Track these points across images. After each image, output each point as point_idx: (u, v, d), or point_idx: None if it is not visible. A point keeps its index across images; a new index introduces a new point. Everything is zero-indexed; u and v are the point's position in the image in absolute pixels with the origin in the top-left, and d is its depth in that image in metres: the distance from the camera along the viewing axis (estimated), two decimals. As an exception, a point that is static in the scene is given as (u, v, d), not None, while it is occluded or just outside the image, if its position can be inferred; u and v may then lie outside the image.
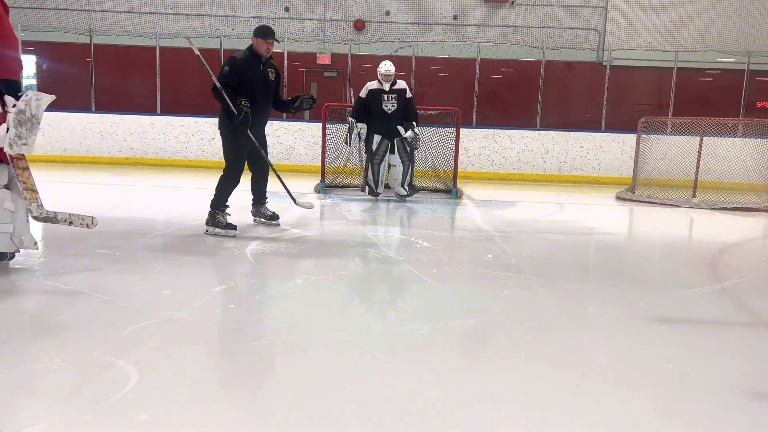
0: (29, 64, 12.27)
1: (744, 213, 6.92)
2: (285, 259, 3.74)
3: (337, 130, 8.06)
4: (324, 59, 11.84)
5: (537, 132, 10.53)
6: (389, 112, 6.57)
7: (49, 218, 3.24)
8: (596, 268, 4.14)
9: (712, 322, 2.89)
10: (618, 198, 8.00)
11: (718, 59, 11.48)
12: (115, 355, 2.08)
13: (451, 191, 7.34)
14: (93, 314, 2.53)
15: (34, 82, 12.52)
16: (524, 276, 3.54)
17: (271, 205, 5.00)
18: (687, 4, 11.24)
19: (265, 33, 4.59)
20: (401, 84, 6.65)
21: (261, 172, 4.89)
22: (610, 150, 10.45)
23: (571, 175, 10.43)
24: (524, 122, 11.08)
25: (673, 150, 8.14)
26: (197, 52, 4.51)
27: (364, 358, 2.20)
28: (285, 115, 11.15)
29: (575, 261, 4.23)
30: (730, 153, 8.43)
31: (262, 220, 4.88)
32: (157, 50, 10.66)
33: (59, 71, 12.46)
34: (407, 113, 6.61)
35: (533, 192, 8.68)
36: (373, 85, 6.63)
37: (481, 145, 10.38)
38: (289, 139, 10.50)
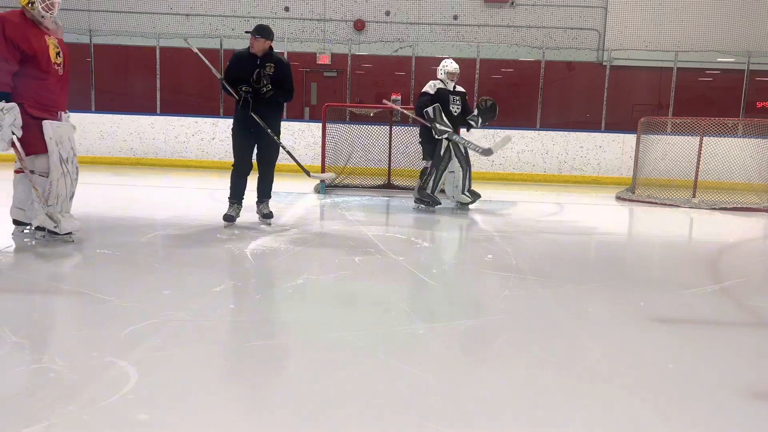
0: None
1: (744, 213, 6.92)
2: (285, 259, 3.74)
3: (337, 130, 8.08)
4: (324, 59, 11.85)
5: (537, 132, 10.54)
6: (455, 114, 6.16)
7: (54, 219, 3.73)
8: (596, 268, 4.14)
9: (712, 322, 2.89)
10: (618, 198, 8.00)
11: (718, 59, 11.49)
12: (115, 355, 2.08)
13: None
14: (93, 314, 2.54)
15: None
16: (524, 276, 3.53)
17: (270, 205, 4.99)
18: (687, 4, 11.25)
19: (253, 29, 4.65)
20: (460, 87, 6.32)
21: (262, 170, 4.91)
22: (610, 150, 10.45)
23: (571, 175, 10.43)
24: (524, 122, 11.08)
25: (673, 150, 8.14)
26: (195, 50, 4.66)
27: (363, 358, 2.20)
28: (285, 114, 11.22)
29: (575, 261, 4.23)
30: (730, 153, 8.44)
31: (258, 217, 4.94)
32: (157, 50, 10.67)
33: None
34: (467, 118, 6.26)
35: (533, 192, 8.68)
36: (439, 83, 6.18)
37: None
38: (289, 139, 10.50)
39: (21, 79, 3.54)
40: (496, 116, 6.24)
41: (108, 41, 11.16)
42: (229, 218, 4.66)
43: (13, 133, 3.50)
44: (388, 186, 7.93)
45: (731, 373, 2.19)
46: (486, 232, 5.12)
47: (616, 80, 11.18)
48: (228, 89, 4.58)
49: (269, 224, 4.81)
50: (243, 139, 4.70)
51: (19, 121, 3.51)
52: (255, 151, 4.81)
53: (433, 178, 6.09)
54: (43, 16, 3.60)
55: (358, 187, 7.89)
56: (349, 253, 3.94)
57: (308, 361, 2.16)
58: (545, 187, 9.56)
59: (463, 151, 6.19)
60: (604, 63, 11.36)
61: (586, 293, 3.26)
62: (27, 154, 3.66)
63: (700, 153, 7.80)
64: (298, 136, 10.45)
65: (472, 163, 6.40)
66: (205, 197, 6.82)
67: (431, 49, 11.56)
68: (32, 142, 3.62)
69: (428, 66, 11.70)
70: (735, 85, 11.16)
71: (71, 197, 3.92)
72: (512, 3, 11.78)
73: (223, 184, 7.65)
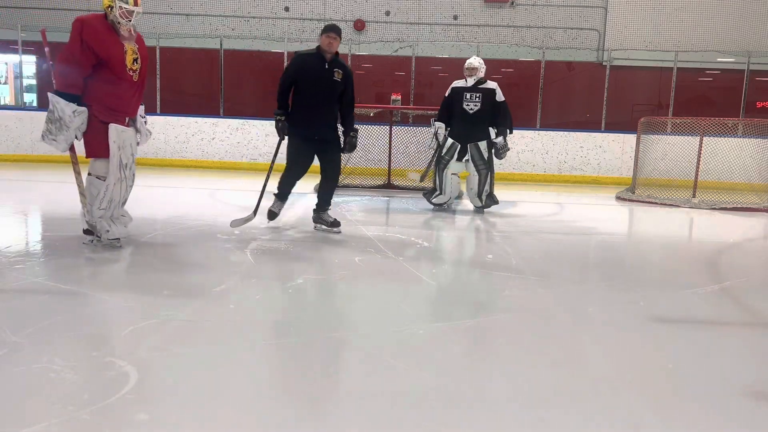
0: (29, 64, 12.27)
1: (744, 213, 6.93)
2: (285, 259, 3.74)
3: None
4: (324, 59, 11.84)
5: (537, 132, 10.54)
6: (470, 112, 5.87)
7: (93, 226, 3.76)
8: (596, 268, 4.14)
9: (712, 322, 2.89)
10: (618, 198, 8.00)
11: (718, 59, 11.49)
12: (115, 355, 2.08)
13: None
14: (93, 314, 2.54)
15: (33, 82, 12.53)
16: (524, 276, 3.53)
17: (269, 205, 4.98)
18: (687, 4, 11.25)
19: (325, 28, 4.45)
20: (491, 84, 5.96)
21: (325, 177, 4.71)
22: (610, 150, 10.46)
23: (571, 175, 10.43)
24: (524, 122, 11.08)
25: (673, 150, 8.15)
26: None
27: (363, 358, 2.20)
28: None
29: (575, 261, 4.23)
30: (730, 153, 8.45)
31: (323, 227, 4.68)
32: (157, 50, 10.66)
33: (59, 71, 12.44)
34: (497, 118, 5.90)
35: (533, 192, 8.68)
36: (457, 82, 6.05)
37: (481, 145, 10.37)
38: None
39: (93, 82, 3.56)
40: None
41: (108, 41, 11.16)
42: (273, 215, 4.65)
43: (75, 137, 3.57)
44: (388, 186, 7.93)
45: (731, 373, 2.19)
46: (486, 232, 5.12)
47: (616, 80, 11.18)
48: (281, 99, 4.54)
49: (340, 232, 4.60)
50: (304, 143, 4.54)
51: (85, 126, 3.58)
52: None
53: (424, 170, 6.29)
54: (119, 22, 3.62)
55: (358, 187, 7.90)
56: (349, 253, 3.94)
57: (308, 360, 2.16)
58: (545, 187, 9.56)
59: (483, 155, 5.92)
60: (604, 63, 11.36)
61: (586, 293, 3.26)
62: (88, 156, 3.69)
63: (700, 153, 7.80)
64: (298, 136, 10.44)
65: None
66: (205, 197, 6.82)
67: (431, 49, 11.56)
68: (95, 145, 3.63)
69: (428, 66, 11.72)
70: (735, 85, 11.17)
71: (123, 203, 3.95)
72: (512, 3, 11.78)
73: (223, 184, 7.62)
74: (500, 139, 5.90)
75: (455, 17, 11.82)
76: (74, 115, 3.51)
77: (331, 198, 4.71)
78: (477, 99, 5.89)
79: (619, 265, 4.23)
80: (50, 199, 6.36)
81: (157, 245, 4.03)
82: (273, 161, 4.85)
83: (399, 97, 10.71)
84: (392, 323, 2.66)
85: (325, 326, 2.54)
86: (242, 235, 4.35)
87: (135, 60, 3.72)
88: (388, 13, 11.84)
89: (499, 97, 5.92)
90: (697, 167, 7.79)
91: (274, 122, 4.52)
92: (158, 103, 10.85)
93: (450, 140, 6.01)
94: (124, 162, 3.75)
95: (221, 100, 10.88)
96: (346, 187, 7.75)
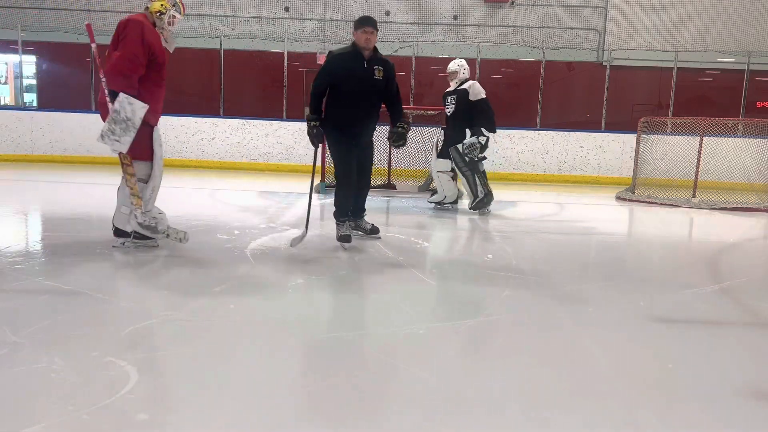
0: (29, 64, 12.27)
1: (744, 213, 6.93)
2: (285, 259, 3.74)
3: (337, 130, 8.06)
4: (324, 59, 11.85)
5: (537, 132, 10.54)
6: (448, 114, 5.97)
7: (151, 227, 3.75)
8: (596, 268, 4.14)
9: (712, 322, 2.89)
10: (618, 198, 8.00)
11: (718, 59, 11.49)
12: (115, 355, 2.08)
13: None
14: (93, 314, 2.54)
15: (33, 82, 12.53)
16: (524, 276, 3.53)
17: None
18: (687, 4, 11.25)
19: (359, 21, 4.08)
20: (467, 84, 5.85)
21: (361, 183, 4.34)
22: (610, 150, 10.46)
23: (571, 175, 10.44)
24: (524, 122, 11.08)
25: (673, 150, 8.15)
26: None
27: (363, 358, 2.20)
28: (285, 114, 11.23)
29: (575, 261, 4.23)
30: (730, 153, 8.45)
31: (360, 233, 4.45)
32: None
33: (59, 71, 12.47)
34: (472, 118, 5.72)
35: (533, 192, 8.68)
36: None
37: (481, 145, 10.37)
38: (289, 139, 10.51)
39: (143, 85, 3.60)
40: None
41: (108, 41, 11.16)
42: (348, 239, 4.14)
43: None
44: (388, 186, 7.93)
45: (731, 373, 2.19)
46: (486, 232, 5.12)
47: (616, 80, 11.18)
48: (315, 104, 4.14)
49: (380, 237, 4.40)
50: (348, 147, 4.17)
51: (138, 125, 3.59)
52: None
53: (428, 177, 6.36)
54: (163, 28, 3.73)
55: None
56: (349, 253, 3.94)
57: (308, 360, 2.16)
58: (545, 187, 9.56)
59: (464, 157, 5.81)
60: (604, 63, 11.36)
61: (586, 293, 3.26)
62: (132, 158, 3.70)
63: (700, 153, 7.80)
64: (298, 136, 10.44)
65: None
66: (205, 197, 6.82)
67: (431, 49, 11.56)
68: (139, 148, 3.66)
69: (428, 66, 11.72)
70: (735, 85, 11.17)
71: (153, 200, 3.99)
72: (512, 3, 11.78)
73: (223, 184, 7.63)
74: (469, 138, 5.72)
75: (455, 17, 11.82)
76: (142, 117, 3.54)
77: (364, 203, 4.45)
78: (452, 101, 5.91)
79: (619, 265, 4.23)
80: (50, 199, 6.36)
81: (156, 245, 4.02)
82: (314, 172, 4.54)
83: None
84: (392, 323, 2.66)
85: (324, 326, 2.54)
86: (242, 235, 4.35)
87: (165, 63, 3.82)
88: (388, 13, 11.84)
89: (474, 95, 5.76)
90: (697, 167, 7.79)
91: (307, 129, 4.13)
92: (158, 103, 10.86)
93: (441, 143, 6.27)
94: (160, 162, 3.85)
95: (221, 100, 10.88)
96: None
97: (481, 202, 5.94)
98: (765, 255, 4.90)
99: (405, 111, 8.03)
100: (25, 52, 11.19)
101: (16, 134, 10.35)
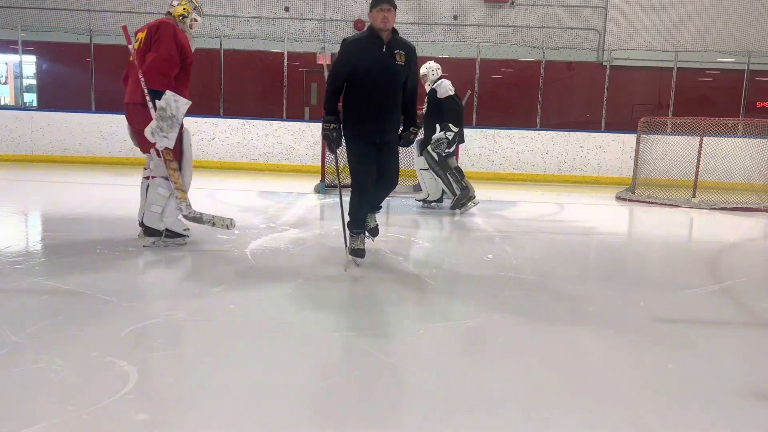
0: (29, 64, 12.27)
1: (744, 213, 6.93)
2: (285, 259, 3.74)
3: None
4: (324, 59, 11.85)
5: (537, 132, 10.54)
6: (422, 114, 5.99)
7: (197, 218, 3.91)
8: (596, 268, 4.14)
9: (712, 322, 2.89)
10: (618, 198, 8.01)
11: (718, 59, 11.49)
12: (115, 355, 2.08)
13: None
14: (93, 314, 2.54)
15: (33, 82, 12.53)
16: (524, 276, 3.53)
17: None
18: (687, 4, 11.25)
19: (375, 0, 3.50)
20: (437, 83, 5.91)
21: (380, 181, 3.76)
22: (610, 150, 10.46)
23: (571, 175, 10.44)
24: (524, 122, 11.09)
25: (673, 150, 8.15)
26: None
27: (363, 358, 2.20)
28: (285, 114, 11.23)
29: (575, 261, 4.23)
30: (730, 153, 8.45)
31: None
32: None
33: (59, 71, 12.47)
34: (443, 115, 5.76)
35: (533, 192, 8.68)
36: None
37: (481, 145, 10.38)
38: (288, 139, 10.50)
39: (175, 84, 3.74)
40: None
41: (108, 41, 11.16)
42: (362, 253, 3.67)
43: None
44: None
45: (731, 373, 2.19)
46: (486, 232, 5.12)
47: (616, 80, 11.17)
48: (329, 105, 3.57)
49: (373, 240, 4.07)
50: (367, 150, 3.61)
51: None
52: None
53: None
54: (185, 31, 3.90)
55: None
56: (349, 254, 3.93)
57: (308, 360, 2.16)
58: (545, 187, 9.56)
59: (434, 156, 5.91)
60: (604, 63, 11.36)
61: (586, 293, 3.26)
62: (175, 157, 3.84)
63: (700, 153, 7.80)
64: (299, 136, 10.44)
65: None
66: (204, 197, 6.82)
67: (431, 49, 11.55)
68: (173, 149, 3.80)
69: (428, 66, 11.71)
70: (735, 85, 11.17)
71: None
72: (512, 3, 11.78)
73: (223, 184, 7.63)
74: (438, 133, 5.76)
75: (455, 17, 11.82)
76: (184, 113, 3.72)
77: (380, 201, 3.98)
78: (425, 102, 5.97)
79: (619, 265, 4.23)
80: (50, 199, 6.36)
81: (157, 245, 4.02)
82: (340, 182, 4.02)
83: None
84: (392, 323, 2.66)
85: (324, 326, 2.54)
86: (242, 235, 4.35)
87: None
88: (388, 13, 11.84)
89: (441, 94, 5.79)
90: (697, 167, 7.79)
91: (322, 133, 3.60)
92: (158, 103, 10.86)
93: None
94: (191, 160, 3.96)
95: (221, 100, 10.87)
96: (346, 187, 7.74)
97: (459, 201, 5.98)
98: (765, 255, 4.90)
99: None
100: (25, 52, 11.19)
101: (16, 134, 10.35)
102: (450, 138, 5.73)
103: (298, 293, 3.04)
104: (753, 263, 4.42)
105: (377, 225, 4.00)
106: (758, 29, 11.24)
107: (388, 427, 1.71)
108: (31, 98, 12.37)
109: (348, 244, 3.73)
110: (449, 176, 5.93)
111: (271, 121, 10.55)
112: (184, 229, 3.96)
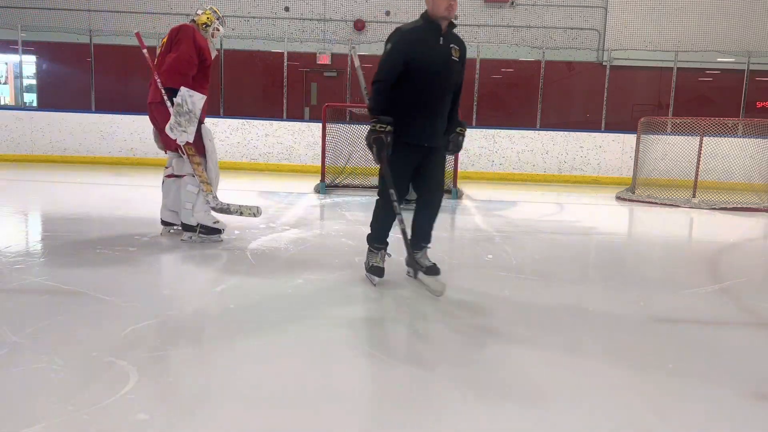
0: (29, 64, 12.27)
1: (744, 213, 6.93)
2: (285, 259, 3.74)
3: (337, 130, 8.08)
4: (324, 59, 11.85)
5: (537, 132, 10.54)
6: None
7: (224, 209, 4.06)
8: (596, 268, 4.14)
9: (712, 322, 2.89)
10: (618, 198, 8.01)
11: (718, 59, 11.49)
12: (115, 355, 2.08)
13: (451, 191, 7.35)
14: (93, 314, 2.53)
15: (33, 82, 12.52)
16: (524, 276, 3.53)
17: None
18: (687, 4, 11.25)
19: None
20: None
21: (428, 198, 3.30)
22: (610, 150, 10.46)
23: (571, 175, 10.44)
24: (524, 122, 11.08)
25: (673, 150, 8.15)
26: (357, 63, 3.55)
27: (363, 358, 2.20)
28: (285, 114, 11.22)
29: (575, 261, 4.23)
30: (730, 153, 8.45)
31: (411, 271, 3.38)
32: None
33: (59, 71, 12.46)
34: None
35: (533, 192, 8.68)
36: None
37: (481, 145, 10.38)
38: (288, 139, 10.50)
39: (193, 84, 3.92)
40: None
41: (108, 41, 11.16)
42: (380, 272, 3.24)
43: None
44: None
45: (731, 373, 2.19)
46: (486, 232, 5.12)
47: (616, 80, 11.18)
48: (376, 108, 3.02)
49: (440, 294, 3.01)
50: (407, 157, 3.12)
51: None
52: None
53: None
54: (207, 39, 4.09)
55: (358, 187, 7.89)
56: (349, 253, 3.94)
57: (308, 360, 2.16)
58: (545, 187, 9.56)
59: None
60: (604, 63, 11.36)
61: (585, 293, 3.26)
62: (198, 153, 4.01)
63: (700, 153, 7.80)
64: (298, 136, 10.45)
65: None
66: (205, 197, 6.82)
67: (431, 49, 11.55)
68: (197, 144, 3.96)
69: (428, 66, 11.72)
70: (735, 85, 11.17)
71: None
72: (512, 3, 11.78)
73: (223, 184, 7.63)
74: None
75: (455, 17, 11.82)
76: (201, 108, 3.90)
77: (432, 229, 3.37)
78: None
79: (619, 265, 4.23)
80: (50, 199, 6.36)
81: (157, 245, 4.03)
82: (394, 196, 3.15)
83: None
84: (392, 323, 2.66)
85: (324, 326, 2.54)
86: (242, 235, 4.35)
87: None
88: (388, 13, 11.85)
89: None
90: (697, 167, 7.79)
91: (370, 136, 2.99)
92: (158, 103, 10.86)
93: None
94: (215, 156, 4.11)
95: (221, 100, 10.88)
96: (346, 187, 7.75)
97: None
98: (765, 255, 4.90)
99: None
100: (25, 52, 11.19)
101: (16, 134, 10.35)
102: None
103: (298, 293, 3.04)
104: (753, 263, 4.42)
105: (435, 264, 3.30)
106: (758, 29, 11.24)
107: (389, 426, 1.71)
108: (31, 98, 12.37)
109: (367, 261, 3.34)
110: None
111: (271, 121, 10.55)
112: (214, 222, 4.08)
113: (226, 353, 2.22)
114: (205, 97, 3.91)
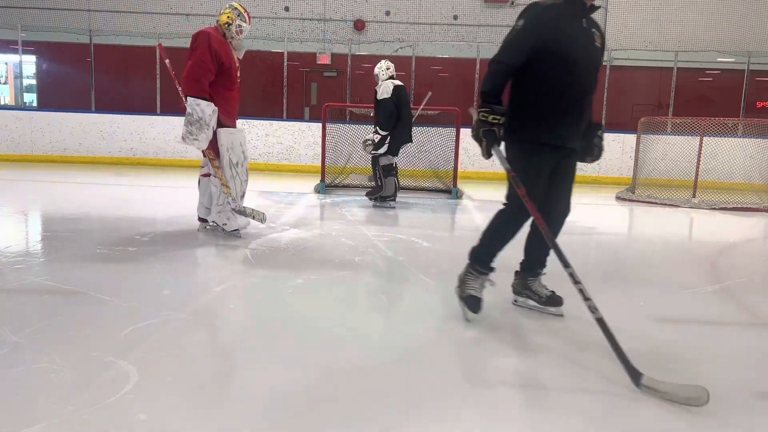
0: (29, 64, 12.26)
1: (744, 213, 6.92)
2: (285, 259, 3.74)
3: (337, 130, 8.08)
4: (324, 59, 11.85)
5: (537, 132, 10.52)
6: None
7: (241, 211, 4.20)
8: (596, 268, 4.14)
9: (712, 322, 2.89)
10: (618, 198, 8.00)
11: (718, 59, 11.49)
12: (115, 355, 2.08)
13: (451, 191, 7.35)
14: (93, 314, 2.54)
15: (33, 82, 12.53)
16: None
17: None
18: (687, 4, 11.24)
19: None
20: (381, 84, 6.12)
21: (555, 215, 2.80)
22: (610, 150, 10.44)
23: (571, 175, 10.42)
24: (524, 122, 11.05)
25: (673, 150, 8.15)
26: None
27: (363, 358, 2.20)
28: (285, 114, 11.22)
29: (575, 261, 4.19)
30: (730, 153, 8.45)
31: (530, 302, 2.87)
32: (158, 50, 10.66)
33: (59, 71, 12.46)
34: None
35: (533, 192, 8.67)
36: None
37: (480, 145, 10.36)
38: (288, 139, 10.50)
39: (214, 88, 4.02)
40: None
41: (108, 41, 11.16)
42: (477, 305, 2.67)
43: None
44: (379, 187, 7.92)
45: (731, 373, 2.19)
46: (486, 232, 5.11)
47: (616, 80, 11.17)
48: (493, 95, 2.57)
49: (561, 314, 2.80)
50: (544, 163, 2.65)
51: (215, 125, 4.05)
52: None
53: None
54: (233, 37, 4.18)
55: (358, 187, 7.89)
56: (349, 253, 3.94)
57: (308, 361, 2.16)
58: (545, 187, 9.55)
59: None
60: (604, 63, 11.35)
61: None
62: (215, 156, 4.16)
63: (700, 153, 7.80)
64: (298, 136, 10.45)
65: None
66: (205, 197, 6.82)
67: (431, 49, 11.56)
68: (212, 147, 4.10)
69: (428, 66, 11.72)
70: (735, 85, 11.16)
71: (242, 196, 4.33)
72: (512, 3, 11.77)
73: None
74: (370, 135, 6.10)
75: (455, 17, 11.82)
76: (213, 114, 3.98)
77: (548, 253, 2.85)
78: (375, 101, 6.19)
79: (619, 265, 4.23)
80: (50, 199, 6.36)
81: (157, 245, 4.03)
82: (528, 216, 2.66)
83: (429, 94, 10.70)
84: (392, 323, 2.66)
85: (325, 326, 2.54)
86: (242, 235, 4.35)
87: (238, 68, 4.24)
88: (388, 13, 11.84)
89: (380, 95, 6.03)
90: (697, 167, 7.79)
91: (480, 128, 2.55)
92: (158, 103, 10.86)
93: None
94: (234, 161, 4.18)
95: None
96: (347, 187, 7.75)
97: (373, 193, 6.31)
98: (765, 255, 4.90)
99: (435, 111, 8.17)
100: (25, 52, 11.19)
101: (16, 134, 10.35)
102: (374, 140, 6.03)
103: (298, 293, 3.04)
104: (753, 263, 4.42)
105: (554, 293, 2.84)
106: (758, 29, 11.23)
107: (388, 426, 1.71)
108: (31, 98, 12.37)
109: (462, 284, 2.75)
110: (377, 169, 6.28)
111: (271, 121, 10.55)
112: (223, 224, 4.20)
113: (226, 353, 2.22)
114: (210, 104, 3.97)
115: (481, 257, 2.74)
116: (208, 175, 4.30)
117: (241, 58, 4.30)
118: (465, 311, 2.69)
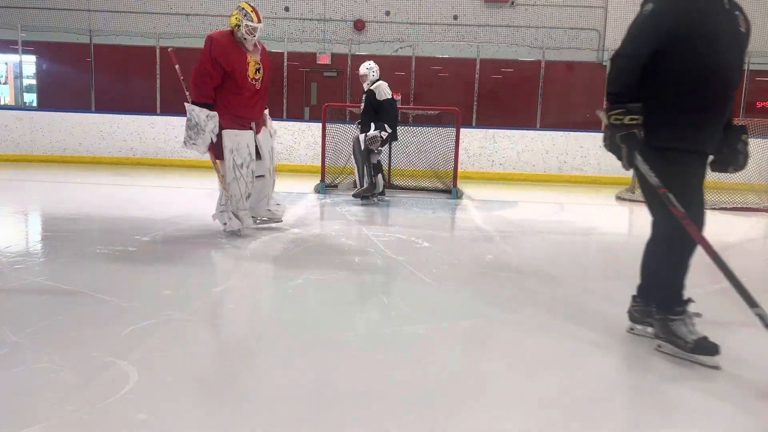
0: (29, 64, 12.26)
1: (744, 213, 6.92)
2: (285, 259, 3.74)
3: (337, 130, 8.08)
4: (324, 59, 11.84)
5: (537, 132, 10.53)
6: (359, 113, 6.66)
7: (236, 215, 4.25)
8: (596, 268, 4.14)
9: (712, 322, 2.89)
10: (618, 198, 8.00)
11: (718, 59, 11.46)
12: (115, 355, 2.08)
13: (451, 191, 7.34)
14: (93, 314, 2.53)
15: (33, 82, 12.53)
16: (524, 276, 3.53)
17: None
18: (687, 4, 11.22)
19: None
20: (375, 85, 6.40)
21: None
22: (610, 150, 10.44)
23: (571, 175, 10.43)
24: (524, 122, 11.07)
25: (672, 150, 8.13)
26: None
27: (364, 358, 2.20)
28: (285, 114, 11.21)
29: (575, 261, 4.23)
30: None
31: (670, 348, 2.28)
32: (157, 50, 10.66)
33: (59, 71, 12.46)
34: (380, 115, 6.28)
35: (533, 192, 8.68)
36: None
37: (481, 145, 10.38)
38: (288, 139, 10.50)
39: (220, 92, 4.06)
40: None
41: (108, 41, 11.15)
42: (713, 345, 2.21)
43: (211, 139, 4.05)
44: (388, 186, 7.93)
45: (731, 373, 2.18)
46: (486, 232, 5.12)
47: (615, 80, 11.15)
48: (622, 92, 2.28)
49: (711, 362, 2.22)
50: (698, 171, 2.45)
51: (217, 129, 4.06)
52: None
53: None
54: (245, 38, 4.13)
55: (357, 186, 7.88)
56: (349, 254, 3.94)
57: (308, 361, 2.16)
58: (545, 187, 9.56)
59: (361, 146, 6.38)
60: (604, 63, 11.36)
61: (586, 293, 3.26)
62: (215, 158, 4.24)
63: (700, 153, 7.79)
64: (298, 137, 10.44)
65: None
66: (205, 197, 6.81)
67: (431, 49, 11.55)
68: (218, 149, 4.15)
69: (428, 66, 11.71)
70: (735, 85, 11.15)
71: (247, 197, 4.31)
72: (512, 3, 11.77)
73: (223, 184, 7.48)
74: (373, 131, 6.26)
75: (455, 17, 11.81)
76: (207, 119, 3.99)
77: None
78: (362, 101, 6.51)
79: (620, 265, 4.22)
80: (50, 199, 6.36)
81: (157, 245, 4.03)
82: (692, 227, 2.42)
83: (399, 97, 10.70)
84: (392, 323, 2.66)
85: (325, 326, 2.54)
86: (242, 235, 4.35)
87: (257, 70, 4.21)
88: (388, 13, 11.84)
89: (380, 96, 6.30)
90: (697, 167, 7.77)
91: (616, 132, 2.32)
92: (158, 103, 10.86)
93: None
94: (238, 163, 4.18)
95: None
96: (346, 187, 7.74)
97: (363, 192, 6.40)
98: (765, 255, 4.90)
99: (405, 111, 8.18)
100: (25, 52, 11.19)
101: (16, 134, 10.34)
102: (383, 137, 6.27)
103: (298, 293, 3.04)
104: (753, 263, 4.42)
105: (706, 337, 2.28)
106: (758, 29, 11.21)
107: (387, 426, 1.71)
108: (31, 98, 12.36)
109: (676, 338, 2.24)
110: (365, 168, 6.42)
111: (273, 122, 10.54)
112: (224, 224, 4.24)
113: (226, 353, 2.22)
114: (205, 110, 3.99)
115: (673, 296, 2.33)
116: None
117: (258, 59, 4.23)
118: (707, 360, 2.17)
